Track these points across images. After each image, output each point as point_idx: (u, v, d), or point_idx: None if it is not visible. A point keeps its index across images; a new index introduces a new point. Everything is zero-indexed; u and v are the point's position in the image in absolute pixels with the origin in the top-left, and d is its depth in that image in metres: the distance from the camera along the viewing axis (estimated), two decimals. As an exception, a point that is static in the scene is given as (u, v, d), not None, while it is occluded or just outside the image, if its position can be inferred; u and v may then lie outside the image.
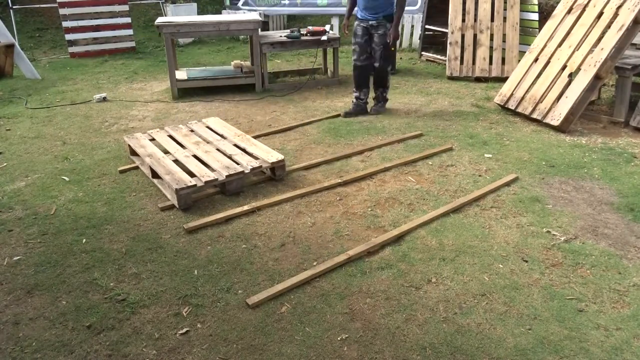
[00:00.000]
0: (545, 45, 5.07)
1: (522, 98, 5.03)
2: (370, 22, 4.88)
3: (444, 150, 4.24)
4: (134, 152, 4.04)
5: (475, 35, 6.45)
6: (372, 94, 5.26)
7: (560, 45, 4.93)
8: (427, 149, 4.27)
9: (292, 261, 2.79)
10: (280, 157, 3.71)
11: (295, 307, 2.45)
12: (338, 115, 5.16)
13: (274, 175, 3.75)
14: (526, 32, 6.71)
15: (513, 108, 5.09)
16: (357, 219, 3.21)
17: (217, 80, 5.99)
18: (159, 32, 5.75)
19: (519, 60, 5.59)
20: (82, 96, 6.01)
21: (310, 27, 6.30)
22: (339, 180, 3.68)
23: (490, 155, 4.13)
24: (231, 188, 3.50)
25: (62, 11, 8.06)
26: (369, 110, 5.21)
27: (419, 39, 7.86)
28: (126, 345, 2.22)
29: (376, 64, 4.98)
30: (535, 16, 6.71)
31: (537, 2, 6.68)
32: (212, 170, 3.56)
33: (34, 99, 5.92)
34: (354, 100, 5.21)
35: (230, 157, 3.74)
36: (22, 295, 2.55)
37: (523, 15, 6.79)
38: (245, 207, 3.31)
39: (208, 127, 4.36)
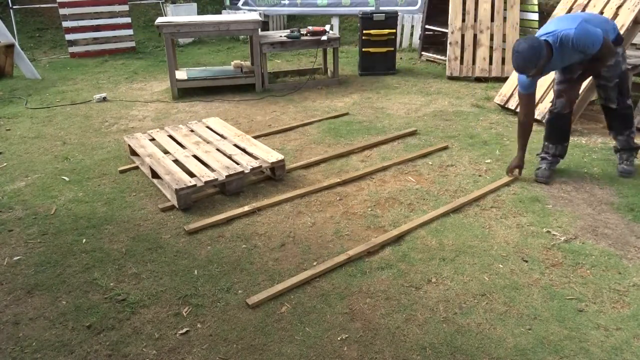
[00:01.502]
0: (545, 45, 5.06)
1: (522, 98, 5.03)
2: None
3: (439, 149, 4.24)
4: (134, 152, 4.04)
5: (475, 35, 6.45)
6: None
7: (560, 45, 4.92)
8: (426, 147, 4.27)
9: (292, 261, 2.79)
10: (280, 157, 3.71)
11: (295, 307, 2.44)
12: (338, 116, 5.16)
13: (273, 175, 3.75)
14: (526, 32, 6.71)
15: (513, 108, 5.09)
16: (357, 219, 3.21)
17: (217, 80, 5.99)
18: (159, 32, 5.75)
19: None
20: (82, 96, 6.01)
21: (310, 27, 6.31)
22: (339, 180, 3.68)
23: (491, 155, 4.13)
24: (231, 188, 3.50)
25: (62, 11, 8.06)
26: (618, 170, 3.72)
27: (419, 39, 7.86)
28: (126, 345, 2.22)
29: (613, 106, 3.58)
30: (535, 16, 6.71)
31: (537, 2, 6.69)
32: (212, 170, 3.56)
33: (34, 99, 5.92)
34: (547, 157, 3.77)
35: (230, 157, 3.74)
36: (22, 295, 2.55)
37: (523, 15, 6.80)
38: (246, 208, 3.31)
39: (208, 127, 4.36)
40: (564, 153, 3.78)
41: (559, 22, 3.28)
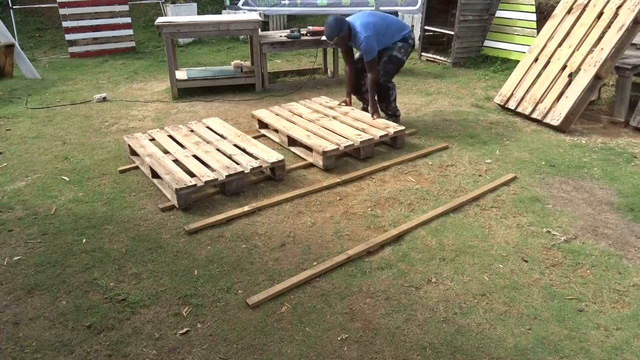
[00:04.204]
0: (545, 45, 5.07)
1: (522, 98, 5.03)
2: None
3: (439, 149, 4.24)
4: (134, 152, 4.04)
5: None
6: None
7: (560, 45, 4.93)
8: (426, 147, 4.27)
9: (292, 261, 2.79)
10: (280, 157, 3.71)
11: (295, 307, 2.44)
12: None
13: (273, 175, 3.75)
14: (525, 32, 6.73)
15: (513, 108, 5.09)
16: (357, 219, 3.21)
17: (217, 80, 5.99)
18: (159, 32, 5.75)
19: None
20: (82, 96, 6.01)
21: (310, 27, 6.31)
22: (339, 180, 3.68)
23: (491, 155, 4.13)
24: (231, 188, 3.50)
25: (62, 11, 8.06)
26: None
27: (419, 39, 7.86)
28: (126, 345, 2.22)
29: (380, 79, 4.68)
30: (533, 16, 6.72)
31: (534, 3, 6.70)
32: (212, 170, 3.56)
33: (34, 99, 5.92)
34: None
35: (230, 157, 3.74)
36: (22, 295, 2.55)
37: (521, 15, 6.82)
38: (246, 208, 3.31)
39: (208, 127, 4.36)
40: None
41: (362, 18, 4.37)
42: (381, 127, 4.26)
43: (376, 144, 4.22)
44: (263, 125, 4.68)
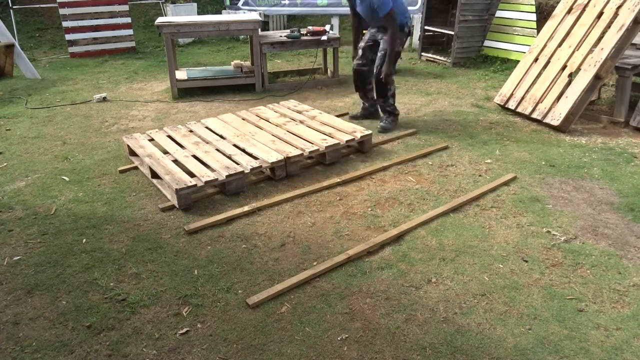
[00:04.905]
0: (545, 45, 5.07)
1: (522, 98, 5.03)
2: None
3: (439, 149, 4.24)
4: (132, 153, 4.04)
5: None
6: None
7: (560, 45, 4.93)
8: (426, 147, 4.27)
9: (292, 261, 2.79)
10: (280, 157, 3.71)
11: (295, 307, 2.45)
12: (338, 116, 5.15)
13: (273, 175, 3.75)
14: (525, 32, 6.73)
15: (513, 108, 5.09)
16: (357, 219, 3.21)
17: (217, 80, 5.99)
18: (159, 32, 5.75)
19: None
20: (82, 96, 6.01)
21: (310, 27, 6.31)
22: (339, 180, 3.68)
23: (491, 155, 4.13)
24: (231, 188, 3.50)
25: (62, 11, 8.07)
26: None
27: (419, 39, 7.87)
28: (126, 345, 2.22)
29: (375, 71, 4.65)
30: (533, 16, 6.72)
31: (533, 2, 6.71)
32: (212, 170, 3.56)
33: (34, 99, 5.92)
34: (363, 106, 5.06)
35: (229, 157, 3.74)
36: (22, 295, 2.55)
37: (521, 15, 6.81)
38: (246, 208, 3.31)
39: (207, 128, 4.36)
40: (371, 106, 4.99)
41: None
42: (348, 131, 4.18)
43: (343, 149, 4.13)
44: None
